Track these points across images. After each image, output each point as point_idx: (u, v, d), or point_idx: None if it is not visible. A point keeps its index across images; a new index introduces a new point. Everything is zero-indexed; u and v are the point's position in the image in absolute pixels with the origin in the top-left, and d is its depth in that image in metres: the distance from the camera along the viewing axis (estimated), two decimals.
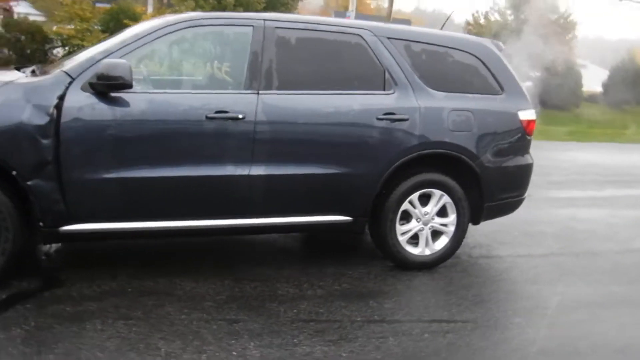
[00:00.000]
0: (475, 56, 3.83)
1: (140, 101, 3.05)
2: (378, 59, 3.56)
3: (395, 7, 21.53)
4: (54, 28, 12.89)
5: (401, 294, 3.39)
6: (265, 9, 14.29)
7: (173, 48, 3.34)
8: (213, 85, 3.57)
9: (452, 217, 3.72)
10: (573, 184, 7.48)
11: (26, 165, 2.90)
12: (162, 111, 3.09)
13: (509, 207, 4.00)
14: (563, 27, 24.33)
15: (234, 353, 2.57)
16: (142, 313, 2.88)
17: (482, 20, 25.86)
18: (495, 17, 25.77)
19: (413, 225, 3.67)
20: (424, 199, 3.68)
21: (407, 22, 24.67)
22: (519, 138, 3.89)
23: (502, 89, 3.86)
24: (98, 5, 14.17)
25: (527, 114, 3.90)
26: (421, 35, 3.79)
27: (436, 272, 3.71)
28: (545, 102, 18.89)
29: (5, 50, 12.29)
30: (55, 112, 2.90)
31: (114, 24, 12.21)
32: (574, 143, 12.98)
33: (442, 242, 3.75)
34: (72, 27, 12.34)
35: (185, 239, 3.97)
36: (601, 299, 3.50)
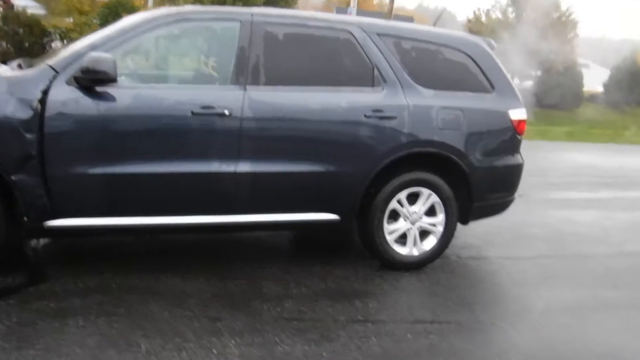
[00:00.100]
0: (466, 54, 3.80)
1: (125, 96, 3.03)
2: (367, 56, 3.53)
3: (398, 4, 21.48)
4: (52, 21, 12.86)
5: (387, 294, 3.37)
6: (266, 5, 14.21)
7: (159, 42, 3.32)
8: (199, 81, 3.55)
9: (440, 217, 3.70)
10: (569, 186, 7.44)
11: (10, 159, 2.88)
12: (147, 106, 3.07)
13: (498, 207, 3.97)
14: (564, 25, 24.22)
15: (214, 351, 2.57)
16: (125, 310, 2.87)
17: (483, 18, 25.78)
18: (496, 14, 25.68)
19: (401, 225, 3.65)
20: (413, 198, 3.65)
21: (409, 19, 24.57)
22: (509, 137, 3.86)
23: (492, 87, 3.83)
24: None
25: (517, 113, 3.87)
26: (411, 32, 3.76)
27: (423, 273, 3.70)
28: (545, 102, 18.83)
29: (4, 44, 12.26)
30: (39, 106, 2.88)
31: (113, 17, 12.17)
32: (573, 143, 12.92)
33: (431, 242, 3.73)
34: (71, 20, 12.31)
35: (172, 236, 3.96)
36: (587, 303, 3.48)
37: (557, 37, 21.16)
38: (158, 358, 2.47)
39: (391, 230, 3.63)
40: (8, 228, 3.00)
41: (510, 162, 3.90)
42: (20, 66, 3.26)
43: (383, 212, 3.58)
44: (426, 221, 3.69)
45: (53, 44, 12.73)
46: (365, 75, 3.52)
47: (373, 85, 3.53)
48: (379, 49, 3.56)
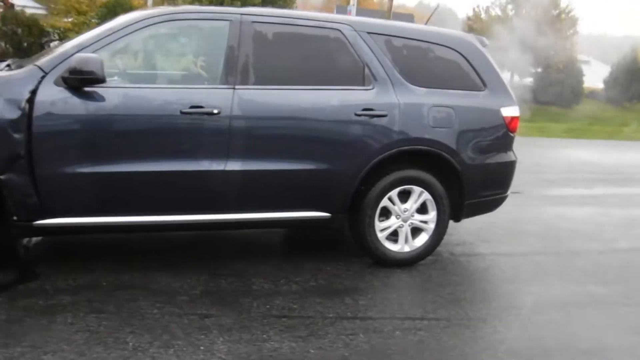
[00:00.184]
0: (458, 52, 3.80)
1: (113, 96, 3.04)
2: (357, 54, 3.53)
3: (398, 1, 21.45)
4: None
5: (377, 290, 3.38)
6: (263, 5, 14.21)
7: (148, 42, 3.32)
8: (188, 80, 3.55)
9: (432, 214, 3.71)
10: (565, 182, 7.43)
11: None
12: (135, 106, 3.08)
13: (491, 204, 3.97)
14: (564, 22, 24.16)
15: (201, 348, 2.58)
16: (115, 307, 2.88)
17: (483, 15, 25.74)
18: (496, 12, 25.65)
19: (392, 222, 3.65)
20: (404, 196, 3.66)
21: (409, 17, 24.55)
22: (502, 135, 3.86)
23: (484, 85, 3.82)
24: None
25: (510, 111, 3.87)
26: (402, 30, 3.76)
27: (415, 270, 3.70)
28: (544, 99, 18.80)
29: (2, 43, 12.30)
30: (27, 106, 2.89)
31: (112, 17, 12.18)
32: (572, 140, 12.92)
33: (422, 239, 3.73)
34: (70, 20, 12.34)
35: (164, 234, 3.97)
36: (576, 300, 3.48)
37: (556, 34, 21.11)
38: (145, 355, 2.48)
39: (382, 228, 3.64)
40: None
41: (503, 160, 3.90)
42: (9, 67, 3.27)
43: (374, 209, 3.58)
44: (418, 218, 3.69)
45: (52, 44, 12.76)
46: (355, 73, 3.52)
47: (364, 84, 3.53)
48: (370, 48, 3.56)
